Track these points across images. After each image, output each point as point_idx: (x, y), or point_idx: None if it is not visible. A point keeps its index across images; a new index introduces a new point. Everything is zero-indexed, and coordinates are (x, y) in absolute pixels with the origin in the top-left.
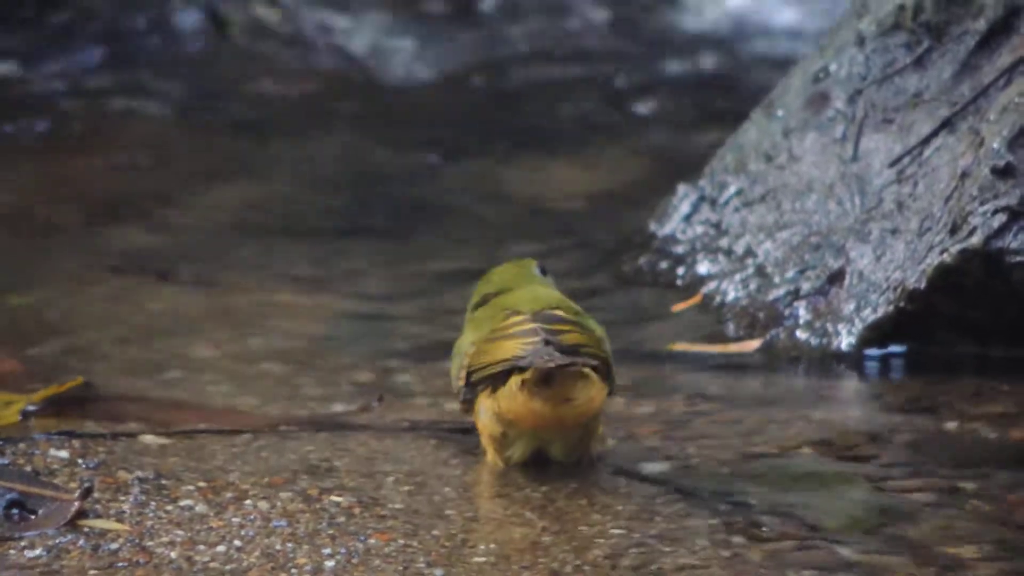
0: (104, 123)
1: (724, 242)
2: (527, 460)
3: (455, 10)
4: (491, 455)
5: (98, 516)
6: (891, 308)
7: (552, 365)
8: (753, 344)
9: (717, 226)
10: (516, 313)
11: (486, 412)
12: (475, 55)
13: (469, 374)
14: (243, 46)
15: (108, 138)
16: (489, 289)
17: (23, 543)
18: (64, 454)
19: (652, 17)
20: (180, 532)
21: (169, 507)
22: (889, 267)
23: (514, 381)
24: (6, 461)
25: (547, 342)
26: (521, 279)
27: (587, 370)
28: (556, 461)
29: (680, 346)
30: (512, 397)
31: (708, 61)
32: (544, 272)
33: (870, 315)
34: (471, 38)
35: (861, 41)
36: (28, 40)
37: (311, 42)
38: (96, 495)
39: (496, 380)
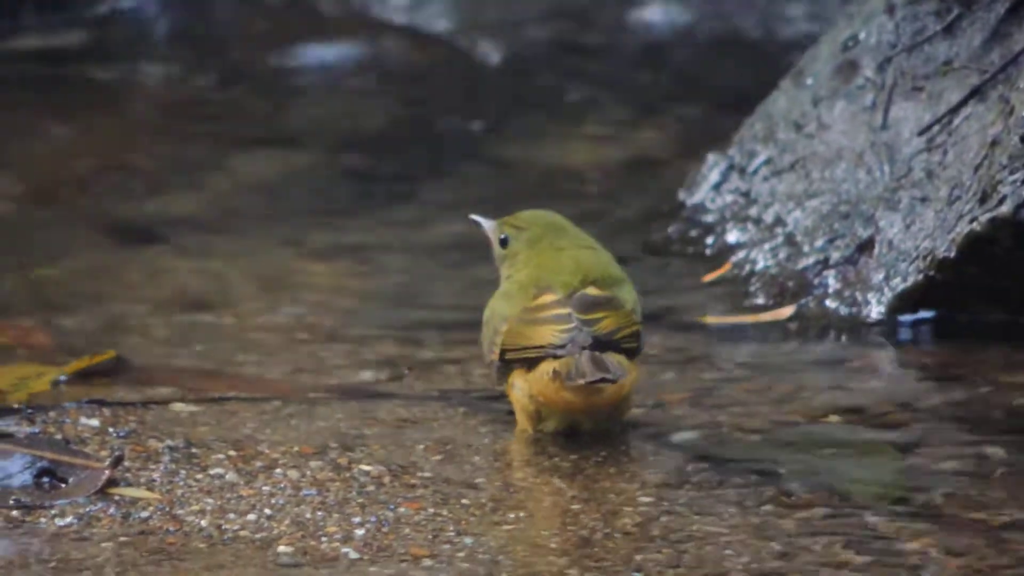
0: (132, 89)
1: (753, 211)
2: (559, 432)
3: None
4: (523, 423)
5: (128, 484)
6: (920, 277)
7: (582, 383)
8: (786, 312)
9: (746, 195)
10: (549, 291)
11: (519, 389)
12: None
13: (503, 352)
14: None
15: (136, 104)
16: (520, 240)
17: (54, 511)
18: (95, 422)
19: None
20: (210, 500)
21: (199, 475)
22: (919, 236)
23: (546, 369)
24: (37, 430)
25: (585, 339)
26: (554, 233)
27: (619, 358)
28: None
29: (712, 319)
30: (544, 384)
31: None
32: None
33: (899, 284)
34: None
35: (891, 9)
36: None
37: None
38: (126, 463)
39: (530, 363)
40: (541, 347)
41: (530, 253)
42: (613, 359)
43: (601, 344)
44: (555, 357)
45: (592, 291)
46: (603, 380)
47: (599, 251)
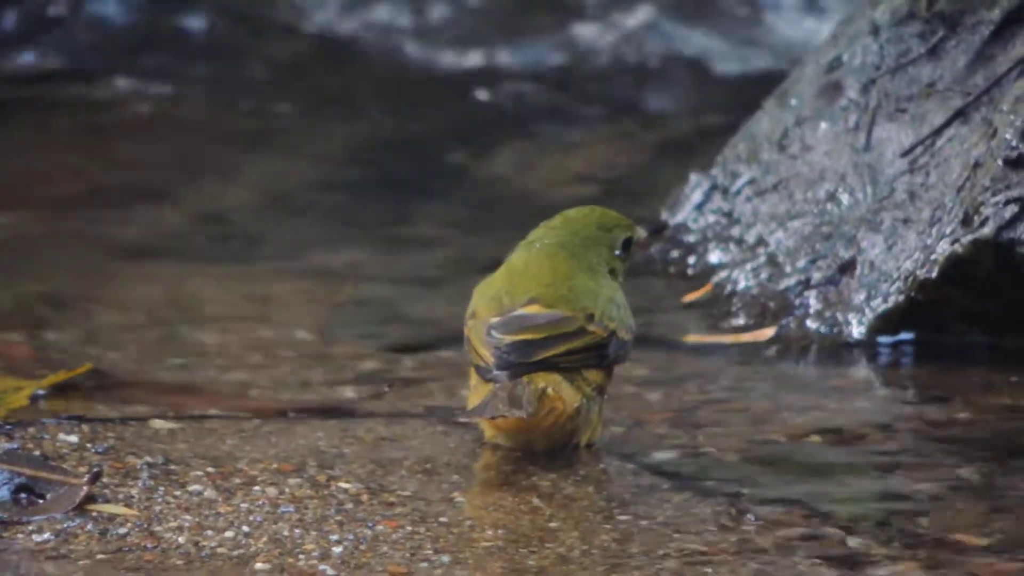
0: (115, 104)
1: (736, 231)
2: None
3: None
4: (487, 434)
5: (106, 501)
6: (902, 298)
7: (488, 416)
8: (767, 333)
9: (729, 215)
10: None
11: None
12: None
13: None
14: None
15: (119, 119)
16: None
17: (31, 527)
18: (73, 438)
19: None
20: (188, 517)
21: (177, 492)
22: (900, 257)
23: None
24: (15, 445)
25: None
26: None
27: (549, 386)
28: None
29: (693, 338)
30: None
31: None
32: (628, 247)
33: (881, 305)
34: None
35: (875, 30)
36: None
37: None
38: (105, 480)
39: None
40: (477, 365)
41: (520, 253)
42: (535, 388)
43: (525, 366)
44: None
45: (531, 309)
46: (502, 416)
47: (580, 260)
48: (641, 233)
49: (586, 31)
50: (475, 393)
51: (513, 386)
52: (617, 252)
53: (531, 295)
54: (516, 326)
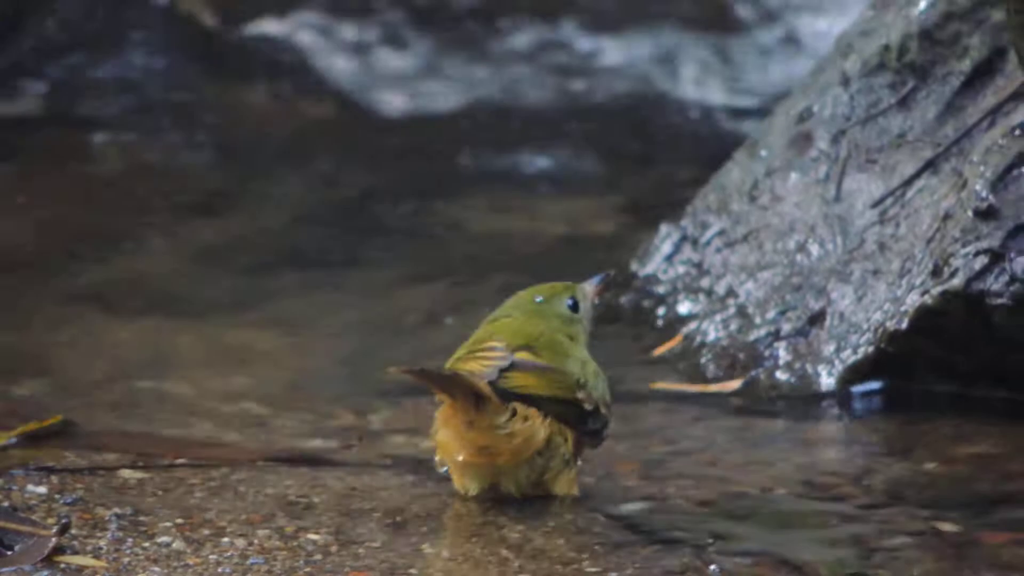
0: (79, 153)
1: (705, 282)
2: (483, 493)
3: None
4: (455, 481)
5: (75, 552)
6: (872, 349)
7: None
8: (733, 384)
9: (699, 266)
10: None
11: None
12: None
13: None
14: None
15: (84, 168)
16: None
17: None
18: (42, 489)
19: None
20: (157, 569)
21: (146, 544)
22: (870, 308)
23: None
24: None
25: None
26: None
27: (524, 408)
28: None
29: (661, 385)
30: (441, 413)
31: None
32: (575, 307)
33: (851, 356)
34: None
35: (846, 81)
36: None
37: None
38: (73, 531)
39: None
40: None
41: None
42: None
43: (503, 392)
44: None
45: (524, 355)
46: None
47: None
48: (587, 288)
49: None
50: (443, 428)
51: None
52: (565, 314)
53: (522, 343)
54: (514, 365)
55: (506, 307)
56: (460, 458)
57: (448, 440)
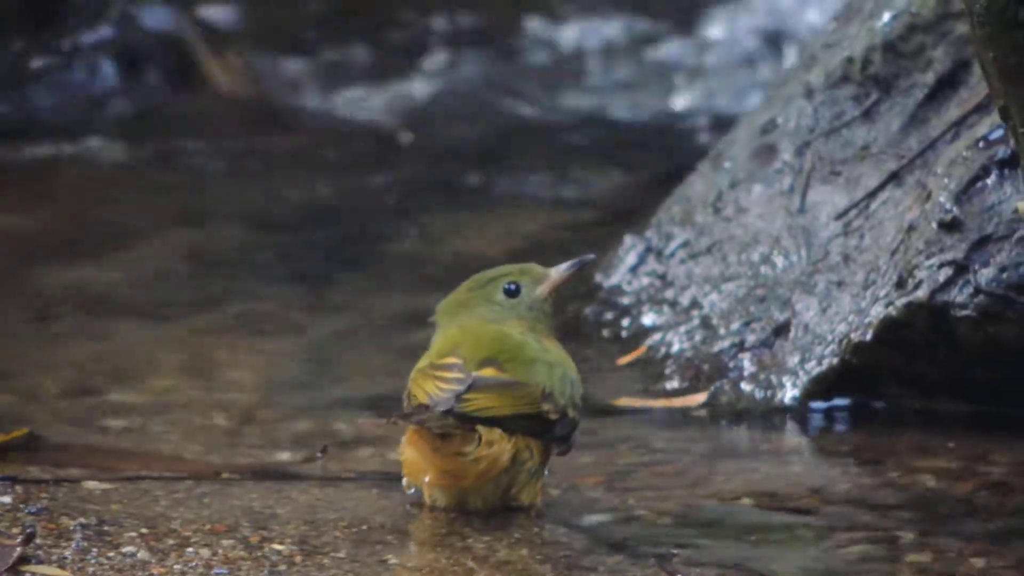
0: (44, 164)
1: (670, 293)
2: (452, 507)
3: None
4: (424, 494)
5: (40, 562)
6: (836, 361)
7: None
8: (698, 398)
9: (663, 277)
10: (455, 356)
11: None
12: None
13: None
14: None
15: (48, 180)
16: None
17: None
18: (7, 499)
19: None
20: None
21: (111, 553)
22: (835, 320)
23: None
24: None
25: (448, 403)
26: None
27: (488, 432)
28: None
29: (625, 401)
30: (408, 437)
31: None
32: (514, 292)
33: (815, 368)
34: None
35: (809, 93)
36: None
37: None
38: (38, 541)
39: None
40: (420, 404)
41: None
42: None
43: (462, 416)
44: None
45: (487, 372)
46: (418, 418)
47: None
48: (551, 273)
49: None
50: (409, 449)
51: (443, 416)
52: (501, 301)
53: (486, 355)
54: (473, 386)
55: (451, 298)
56: (427, 479)
57: (414, 461)
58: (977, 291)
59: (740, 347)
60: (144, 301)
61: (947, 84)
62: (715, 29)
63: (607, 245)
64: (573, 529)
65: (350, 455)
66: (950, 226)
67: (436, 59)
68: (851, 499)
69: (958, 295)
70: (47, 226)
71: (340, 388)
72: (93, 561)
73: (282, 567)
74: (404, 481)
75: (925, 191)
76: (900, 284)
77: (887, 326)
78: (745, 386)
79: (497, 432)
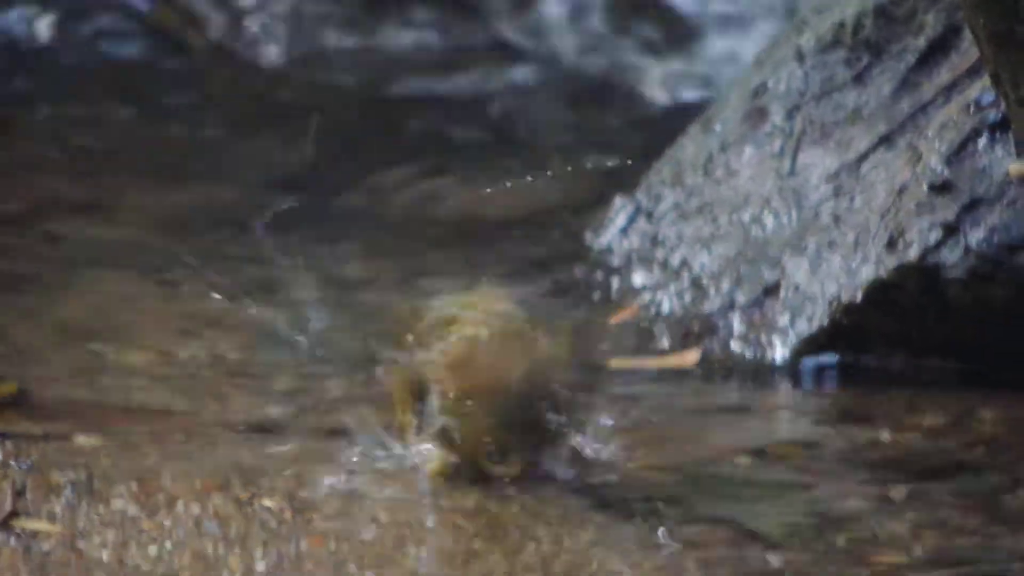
0: (28, 122)
1: (660, 254)
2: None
3: None
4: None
5: (30, 516)
6: (826, 321)
7: None
8: (692, 357)
9: (653, 238)
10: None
11: None
12: None
13: None
14: None
15: (40, 132)
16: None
17: None
18: None
19: None
20: (112, 534)
21: (101, 508)
22: (825, 280)
23: None
24: None
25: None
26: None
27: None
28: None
29: (618, 362)
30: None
31: None
32: None
33: (805, 328)
34: None
35: (800, 57)
36: None
37: None
38: (28, 496)
39: None
40: None
41: None
42: None
43: None
44: None
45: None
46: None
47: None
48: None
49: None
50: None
51: None
52: None
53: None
54: None
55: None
56: (425, 435)
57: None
58: (968, 253)
59: (730, 307)
60: (135, 257)
61: (939, 48)
62: None
63: (596, 206)
64: (564, 486)
65: (340, 411)
66: (941, 188)
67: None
68: (842, 455)
69: (949, 257)
70: (34, 181)
71: (333, 346)
72: (83, 516)
73: (272, 523)
74: (397, 436)
75: (916, 154)
76: (891, 245)
77: (877, 287)
78: (735, 345)
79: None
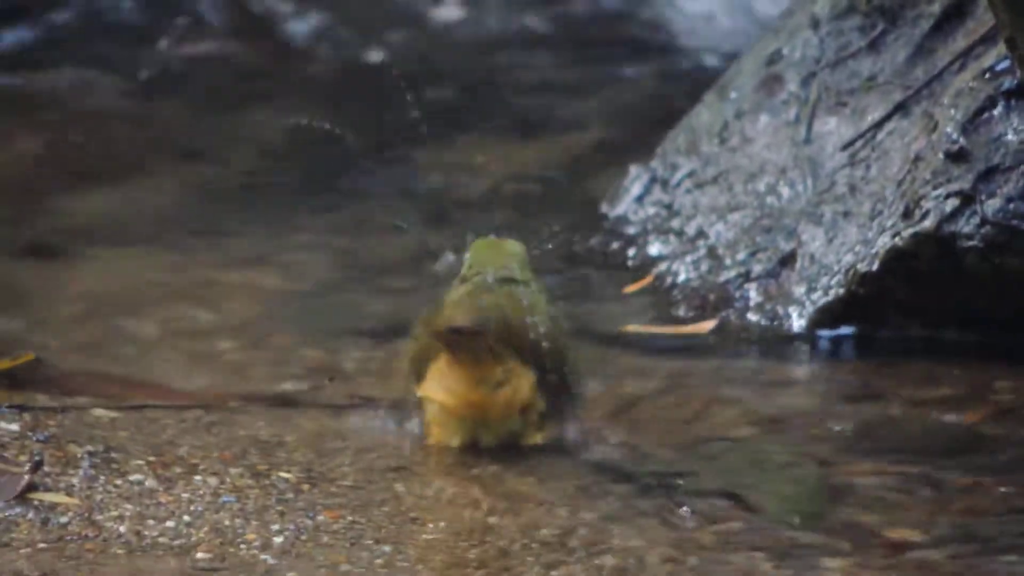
0: (52, 94)
1: (675, 223)
2: (466, 445)
3: None
4: (435, 435)
5: (48, 489)
6: (843, 291)
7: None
8: (708, 325)
9: (669, 207)
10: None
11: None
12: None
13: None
14: None
15: (55, 109)
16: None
17: None
18: (14, 427)
19: None
20: (129, 506)
21: (119, 481)
22: (841, 250)
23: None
24: None
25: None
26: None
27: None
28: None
29: (633, 328)
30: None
31: None
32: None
33: (821, 298)
34: None
35: (815, 24)
36: None
37: None
38: (46, 468)
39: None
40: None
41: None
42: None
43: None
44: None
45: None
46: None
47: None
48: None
49: None
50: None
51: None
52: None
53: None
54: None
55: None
56: (450, 409)
57: (439, 393)
58: (984, 222)
59: (746, 277)
60: (151, 229)
61: (953, 15)
62: None
63: (612, 175)
64: (580, 461)
65: (356, 383)
66: (957, 156)
67: None
68: (856, 429)
69: (965, 225)
70: (50, 153)
71: (347, 318)
72: (101, 489)
73: (290, 495)
74: (417, 411)
75: (932, 121)
76: (907, 214)
77: (893, 256)
78: (751, 316)
79: (516, 364)
